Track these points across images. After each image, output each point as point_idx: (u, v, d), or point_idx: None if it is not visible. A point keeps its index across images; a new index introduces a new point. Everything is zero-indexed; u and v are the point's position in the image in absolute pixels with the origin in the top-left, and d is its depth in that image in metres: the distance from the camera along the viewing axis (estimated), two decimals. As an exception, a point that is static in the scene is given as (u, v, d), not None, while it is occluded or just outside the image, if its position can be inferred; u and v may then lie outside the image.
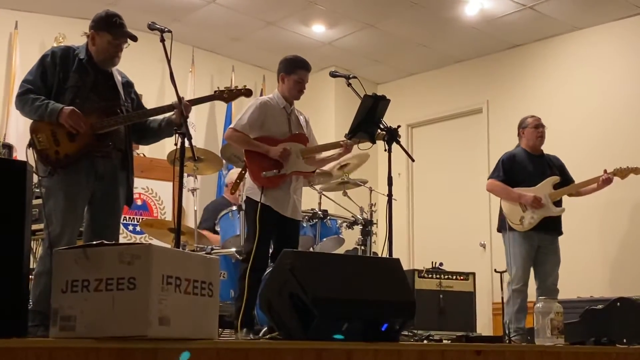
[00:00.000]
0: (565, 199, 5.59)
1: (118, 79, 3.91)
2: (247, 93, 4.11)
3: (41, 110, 3.63)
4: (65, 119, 3.60)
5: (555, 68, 7.32)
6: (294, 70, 4.58)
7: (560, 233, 5.52)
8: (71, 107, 3.62)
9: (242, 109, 4.70)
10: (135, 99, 4.02)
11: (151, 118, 3.97)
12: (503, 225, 5.51)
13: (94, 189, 3.73)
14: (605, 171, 5.42)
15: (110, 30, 3.77)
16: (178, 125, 3.79)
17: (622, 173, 5.42)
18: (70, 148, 3.65)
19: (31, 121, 3.75)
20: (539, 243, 5.43)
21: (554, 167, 5.55)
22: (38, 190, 4.22)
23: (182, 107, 3.70)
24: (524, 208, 5.41)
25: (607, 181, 5.41)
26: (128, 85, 4.00)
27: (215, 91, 4.10)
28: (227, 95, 4.07)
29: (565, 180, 5.55)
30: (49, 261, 3.41)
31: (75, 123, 3.61)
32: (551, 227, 5.44)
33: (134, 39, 3.81)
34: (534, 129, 5.60)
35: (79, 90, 3.73)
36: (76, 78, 3.74)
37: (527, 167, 5.54)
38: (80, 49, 3.83)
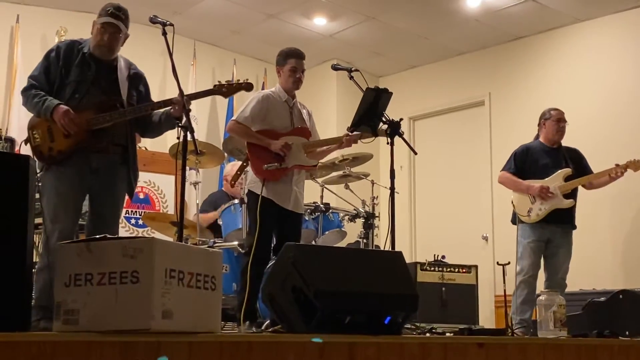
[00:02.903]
0: (580, 192, 5.57)
1: (122, 72, 3.89)
2: (248, 87, 4.10)
3: (38, 107, 3.66)
4: (57, 117, 3.61)
5: (558, 60, 7.30)
6: (287, 60, 4.59)
7: (574, 226, 5.48)
8: (66, 107, 3.62)
9: (244, 102, 4.69)
10: (144, 90, 4.01)
11: (153, 112, 3.97)
12: (515, 217, 5.51)
13: (91, 183, 3.73)
14: (617, 165, 5.38)
15: (99, 18, 3.79)
16: (178, 119, 3.79)
17: (635, 165, 5.36)
18: (64, 144, 3.66)
19: (31, 116, 3.78)
20: (550, 236, 5.42)
21: (569, 160, 5.52)
22: (38, 185, 4.24)
23: (184, 101, 3.70)
24: (533, 200, 5.40)
25: (618, 175, 5.37)
26: (136, 77, 3.98)
27: (215, 85, 4.08)
28: (227, 89, 4.05)
29: (582, 172, 5.49)
30: (47, 257, 3.44)
31: (67, 124, 3.61)
32: (563, 219, 5.41)
33: (114, 27, 3.79)
34: (555, 122, 5.56)
35: (79, 84, 3.73)
36: (77, 72, 3.75)
37: (540, 159, 5.51)
38: (85, 43, 3.85)
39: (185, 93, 3.77)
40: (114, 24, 3.78)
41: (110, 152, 3.78)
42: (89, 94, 3.74)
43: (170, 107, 3.83)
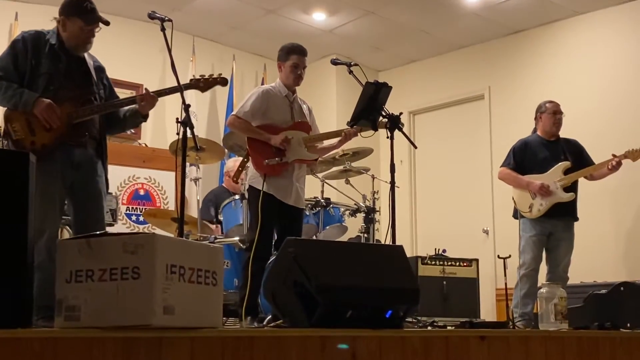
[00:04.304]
0: (581, 183, 5.56)
1: (91, 64, 3.86)
2: (223, 82, 4.06)
3: (15, 99, 3.58)
4: (40, 112, 3.55)
5: (557, 53, 7.30)
6: (289, 56, 4.58)
7: (576, 219, 5.48)
8: (48, 101, 3.57)
9: (244, 98, 4.69)
10: (108, 84, 3.97)
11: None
12: (516, 212, 5.51)
13: (72, 179, 3.69)
14: (614, 155, 5.38)
15: (82, 15, 3.70)
16: (144, 116, 3.81)
17: (634, 155, 5.36)
18: (46, 138, 3.61)
19: (4, 109, 3.71)
20: (552, 229, 5.42)
21: (567, 153, 5.52)
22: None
23: (144, 100, 3.68)
24: (533, 195, 5.40)
25: (616, 166, 5.37)
26: (100, 70, 3.94)
27: (190, 80, 4.04)
28: (203, 84, 4.01)
29: (582, 164, 5.48)
30: (37, 257, 3.39)
31: (50, 117, 3.57)
32: (564, 212, 5.41)
33: (106, 23, 3.75)
34: (551, 114, 5.56)
35: (52, 76, 3.67)
36: (48, 64, 3.67)
37: (539, 153, 5.51)
38: (50, 34, 3.76)
39: (163, 88, 3.76)
40: (99, 19, 3.73)
41: (88, 146, 3.75)
42: (63, 86, 3.68)
43: (136, 105, 3.82)
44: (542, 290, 3.99)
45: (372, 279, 2.96)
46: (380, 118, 4.17)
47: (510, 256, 5.28)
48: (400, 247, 3.27)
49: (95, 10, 3.74)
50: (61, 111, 3.62)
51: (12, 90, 3.59)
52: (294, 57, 4.57)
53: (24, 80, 3.64)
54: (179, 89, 3.70)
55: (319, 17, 7.42)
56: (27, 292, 2.25)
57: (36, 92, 3.61)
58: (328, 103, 8.13)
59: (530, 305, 5.28)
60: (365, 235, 5.69)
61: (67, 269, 2.18)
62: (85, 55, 3.85)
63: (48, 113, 3.56)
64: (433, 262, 6.29)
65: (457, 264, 6.38)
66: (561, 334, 3.41)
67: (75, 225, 3.77)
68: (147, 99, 3.80)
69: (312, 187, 5.50)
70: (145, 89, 3.77)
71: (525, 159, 5.54)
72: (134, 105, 3.86)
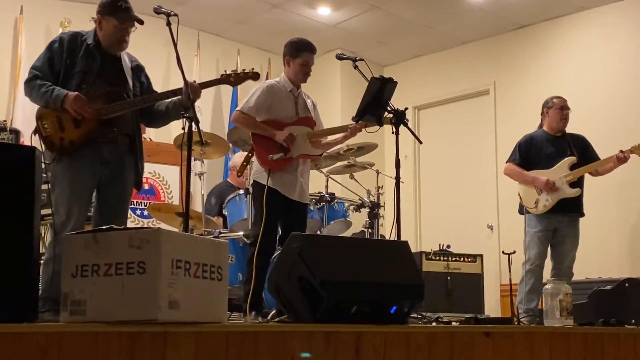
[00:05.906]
0: (587, 180, 5.55)
1: (126, 63, 3.91)
2: (254, 76, 4.11)
3: (47, 97, 3.65)
4: (69, 105, 3.61)
5: (563, 48, 7.28)
6: (299, 54, 4.56)
7: (582, 214, 5.46)
8: (75, 93, 3.63)
9: (248, 92, 4.68)
10: (146, 82, 4.03)
11: (158, 102, 3.97)
12: (522, 208, 5.50)
13: (101, 174, 3.74)
14: (621, 151, 5.36)
15: (116, 14, 3.76)
16: (185, 108, 3.75)
17: None
18: (75, 134, 3.67)
19: (37, 107, 3.77)
20: (557, 225, 5.40)
21: (573, 148, 5.50)
22: (45, 175, 4.23)
23: (189, 90, 3.69)
24: (539, 191, 5.39)
25: (622, 160, 5.35)
26: (138, 69, 4.01)
27: (222, 75, 4.09)
28: (234, 78, 4.07)
29: (588, 159, 5.46)
30: (55, 249, 3.44)
31: (80, 108, 3.62)
32: (570, 208, 5.39)
33: (141, 22, 3.80)
34: (559, 110, 5.55)
35: (85, 75, 3.73)
36: (83, 63, 3.74)
37: (545, 149, 5.50)
38: (88, 34, 3.83)
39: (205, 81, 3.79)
40: (134, 18, 3.77)
41: (119, 142, 3.79)
42: (95, 85, 3.74)
43: (178, 97, 3.84)
44: (547, 286, 3.98)
45: (377, 275, 2.96)
46: (386, 113, 4.17)
47: (514, 252, 5.25)
48: (405, 242, 3.26)
49: (129, 9, 3.79)
50: (91, 108, 3.66)
51: (45, 88, 3.66)
52: (305, 54, 4.55)
53: (59, 80, 3.72)
54: (184, 83, 3.70)
55: (323, 11, 7.41)
56: (32, 287, 2.26)
57: (69, 91, 3.66)
58: (333, 98, 8.12)
59: (535, 301, 5.27)
60: (370, 230, 5.69)
61: (73, 263, 2.18)
62: (124, 54, 3.91)
63: (77, 104, 3.61)
64: (437, 258, 6.29)
65: (462, 259, 6.38)
66: (566, 330, 3.41)
67: (95, 219, 3.82)
68: (193, 90, 3.78)
69: (316, 182, 5.50)
70: (194, 81, 3.76)
71: (530, 155, 5.53)
72: (176, 98, 3.87)
